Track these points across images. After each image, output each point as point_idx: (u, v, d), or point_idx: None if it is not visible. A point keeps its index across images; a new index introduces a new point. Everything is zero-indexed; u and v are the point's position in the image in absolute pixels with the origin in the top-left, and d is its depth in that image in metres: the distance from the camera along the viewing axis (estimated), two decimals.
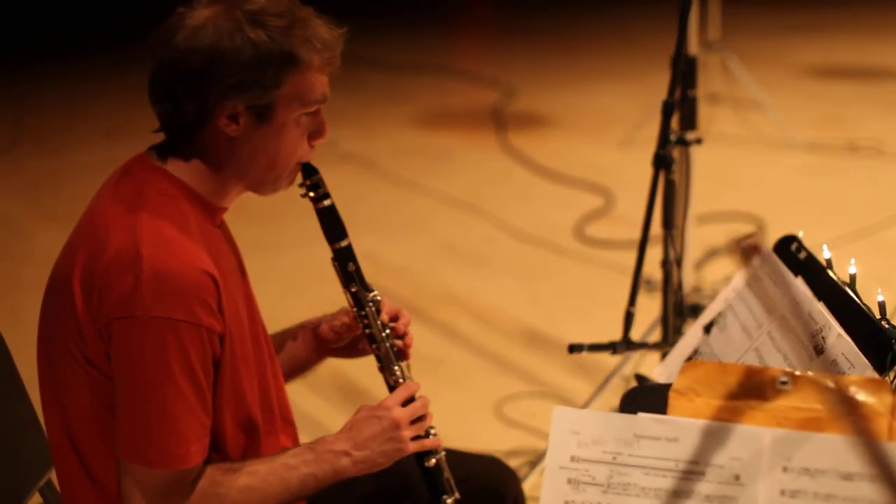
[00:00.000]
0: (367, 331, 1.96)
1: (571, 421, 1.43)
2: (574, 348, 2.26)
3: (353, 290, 1.95)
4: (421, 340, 4.09)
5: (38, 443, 2.09)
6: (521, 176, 6.07)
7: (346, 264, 1.93)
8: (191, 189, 1.78)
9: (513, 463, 3.22)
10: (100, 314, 1.66)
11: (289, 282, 4.43)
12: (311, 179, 1.88)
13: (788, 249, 1.81)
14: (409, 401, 1.91)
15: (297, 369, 2.12)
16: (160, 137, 1.84)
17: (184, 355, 1.65)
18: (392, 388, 1.95)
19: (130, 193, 1.76)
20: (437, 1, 11.60)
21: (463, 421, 3.48)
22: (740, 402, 1.38)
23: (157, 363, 1.64)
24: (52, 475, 2.03)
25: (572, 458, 1.41)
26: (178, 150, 1.79)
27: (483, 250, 5.08)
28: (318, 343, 2.11)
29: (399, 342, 2.01)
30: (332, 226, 1.92)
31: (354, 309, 1.96)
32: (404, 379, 1.96)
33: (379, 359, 1.97)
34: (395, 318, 2.02)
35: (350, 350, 2.12)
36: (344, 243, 1.93)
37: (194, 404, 1.68)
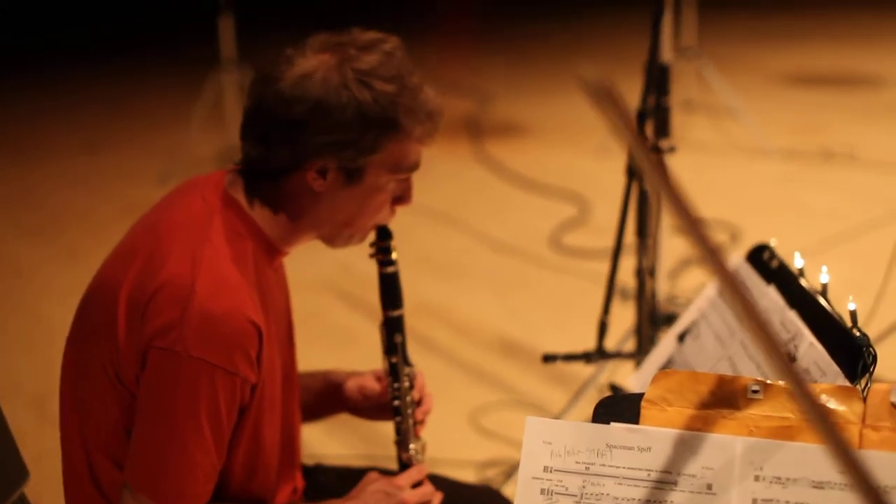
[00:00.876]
0: (395, 402, 1.94)
1: (544, 431, 1.42)
2: (548, 358, 2.25)
3: (394, 360, 1.93)
4: None
5: (10, 457, 2.07)
6: (497, 186, 6.07)
7: (393, 334, 1.92)
8: (260, 230, 1.75)
9: (488, 473, 3.21)
10: (140, 336, 1.63)
11: None
12: (384, 243, 1.88)
13: (761, 258, 1.82)
14: (418, 483, 1.90)
15: (310, 416, 2.10)
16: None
17: (213, 400, 1.62)
18: (404, 463, 1.94)
19: (200, 219, 1.71)
20: (413, 9, 11.62)
21: (439, 431, 3.45)
22: (712, 411, 1.37)
23: (186, 402, 1.62)
24: (25, 490, 2.01)
25: (545, 469, 1.41)
26: (258, 189, 1.75)
27: (459, 260, 5.08)
28: (340, 398, 2.08)
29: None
30: (392, 293, 1.92)
31: (389, 378, 1.94)
32: (420, 458, 1.94)
33: (398, 432, 1.95)
34: (419, 402, 2.00)
35: (369, 412, 2.10)
36: (397, 313, 1.92)
37: (211, 447, 1.66)
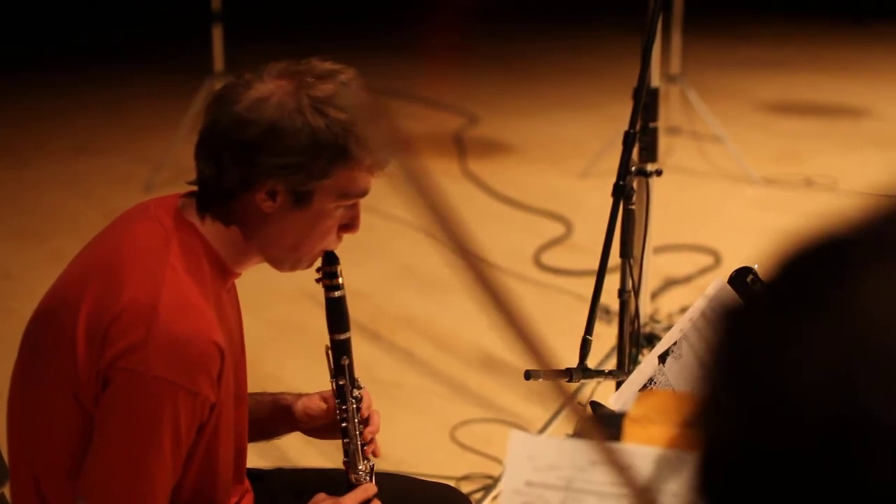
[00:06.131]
0: (343, 424, 1.98)
1: (527, 446, 1.44)
2: (530, 375, 2.27)
3: (341, 382, 1.97)
4: (378, 364, 4.12)
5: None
6: (482, 202, 6.10)
7: (340, 357, 1.96)
8: (214, 251, 1.78)
9: (466, 488, 3.23)
10: (101, 358, 1.64)
11: (249, 301, 4.40)
12: (330, 268, 1.91)
13: (744, 281, 1.84)
14: (366, 503, 1.95)
15: (262, 435, 2.13)
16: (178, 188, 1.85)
17: (175, 420, 1.65)
18: (351, 483, 1.98)
19: (157, 242, 1.73)
20: (402, 27, 11.66)
21: (418, 445, 3.48)
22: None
23: (148, 422, 1.65)
24: (6, 490, 2.02)
25: (527, 483, 1.43)
26: (210, 210, 1.78)
27: (442, 275, 5.10)
28: (290, 419, 2.11)
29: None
30: (338, 317, 1.96)
31: (337, 400, 1.98)
32: (368, 479, 1.99)
33: (346, 454, 1.99)
34: (365, 422, 2.04)
35: (319, 432, 2.13)
36: (344, 336, 1.96)
37: (169, 465, 1.68)
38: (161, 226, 1.76)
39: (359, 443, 1.98)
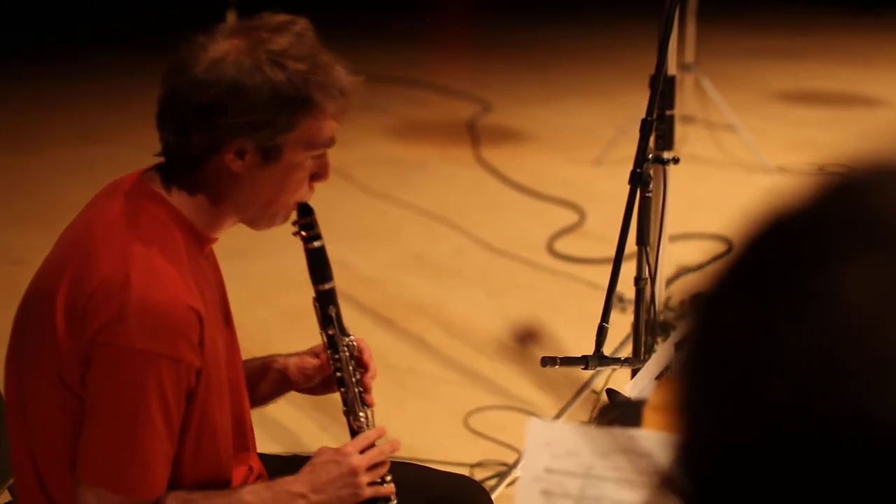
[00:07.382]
0: (337, 374, 1.99)
1: (546, 432, 1.44)
2: (547, 361, 2.27)
3: (331, 332, 1.97)
4: (391, 351, 4.13)
5: (6, 441, 2.08)
6: (494, 189, 6.10)
7: (326, 307, 1.96)
8: (185, 218, 1.78)
9: (480, 475, 3.23)
10: (81, 338, 1.65)
11: (259, 289, 4.42)
12: (306, 219, 1.90)
13: None
14: (369, 447, 1.94)
15: (256, 401, 2.12)
16: (150, 160, 1.85)
17: (160, 389, 1.65)
18: (355, 432, 1.98)
19: (125, 217, 1.74)
20: (415, 15, 11.65)
21: (431, 432, 3.49)
22: None
23: (133, 394, 1.65)
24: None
25: (546, 470, 1.43)
26: (177, 178, 1.79)
27: (454, 262, 5.10)
28: (285, 381, 2.12)
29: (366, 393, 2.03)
30: (319, 267, 1.95)
31: (329, 350, 1.98)
32: (369, 425, 1.99)
33: (345, 402, 1.99)
34: (363, 366, 2.04)
35: (316, 388, 2.14)
36: (328, 286, 1.95)
37: (163, 436, 1.69)
38: (127, 200, 1.77)
39: (356, 390, 1.98)
